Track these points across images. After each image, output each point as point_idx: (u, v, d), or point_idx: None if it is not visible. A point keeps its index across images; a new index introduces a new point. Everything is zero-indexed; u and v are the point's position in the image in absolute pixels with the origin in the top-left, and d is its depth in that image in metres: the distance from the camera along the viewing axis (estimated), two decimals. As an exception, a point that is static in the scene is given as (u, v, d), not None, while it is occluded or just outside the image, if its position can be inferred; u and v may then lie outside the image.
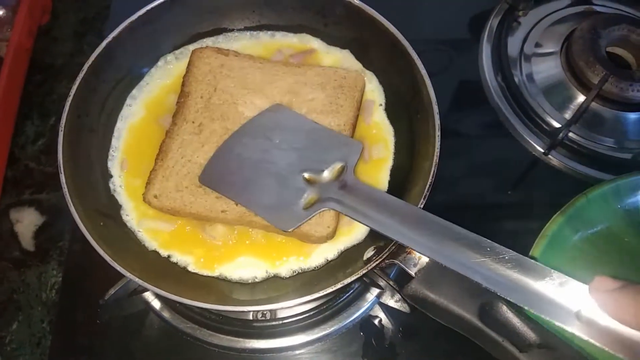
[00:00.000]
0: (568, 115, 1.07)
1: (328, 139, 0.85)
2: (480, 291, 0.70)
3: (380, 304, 0.91)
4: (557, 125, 1.05)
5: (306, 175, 0.81)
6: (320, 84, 0.92)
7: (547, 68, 1.12)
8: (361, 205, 0.75)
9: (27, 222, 1.06)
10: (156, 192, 0.86)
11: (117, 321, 0.92)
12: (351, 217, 0.75)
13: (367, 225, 0.74)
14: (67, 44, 1.25)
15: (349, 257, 0.85)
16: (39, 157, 1.12)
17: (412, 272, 0.74)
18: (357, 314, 0.90)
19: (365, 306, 0.90)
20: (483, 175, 1.06)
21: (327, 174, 0.81)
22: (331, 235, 0.84)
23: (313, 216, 0.79)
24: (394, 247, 0.75)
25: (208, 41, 1.01)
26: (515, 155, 1.07)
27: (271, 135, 0.85)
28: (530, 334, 0.67)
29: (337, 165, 0.81)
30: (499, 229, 1.00)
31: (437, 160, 0.80)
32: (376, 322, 0.92)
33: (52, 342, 0.94)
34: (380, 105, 0.96)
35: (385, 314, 0.92)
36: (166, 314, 0.90)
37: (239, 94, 0.91)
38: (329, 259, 0.86)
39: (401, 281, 0.84)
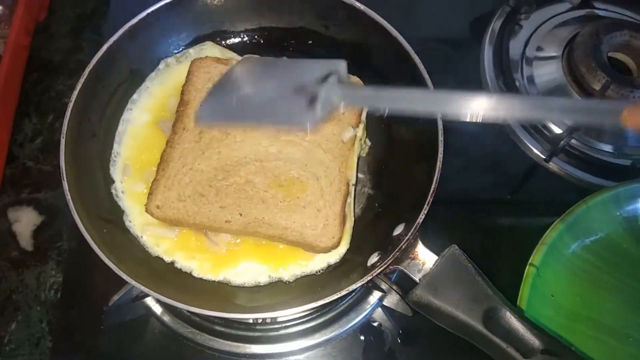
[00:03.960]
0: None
1: (310, 64, 0.80)
2: (484, 297, 0.71)
3: (382, 307, 0.92)
4: (557, 130, 1.06)
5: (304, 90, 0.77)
6: None
7: (548, 72, 1.13)
8: (368, 91, 0.74)
9: (25, 222, 1.05)
10: (158, 203, 0.85)
11: (118, 326, 0.91)
12: (363, 105, 0.76)
13: (381, 107, 0.70)
14: (65, 40, 1.23)
15: (351, 261, 0.86)
16: (37, 155, 1.11)
17: (416, 278, 0.74)
18: (357, 318, 0.90)
19: (366, 310, 0.90)
20: (482, 179, 1.07)
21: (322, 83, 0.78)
22: (336, 245, 0.84)
23: (330, 114, 0.74)
24: (398, 253, 0.75)
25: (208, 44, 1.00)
26: (514, 160, 1.07)
27: (254, 76, 0.80)
28: (533, 340, 0.68)
29: (331, 78, 0.76)
30: (498, 235, 1.00)
31: (441, 166, 0.80)
32: (376, 326, 0.92)
33: (52, 346, 0.94)
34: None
35: (386, 317, 0.92)
36: (167, 319, 0.89)
37: None
38: (331, 263, 0.87)
39: (403, 284, 0.85)
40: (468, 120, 0.60)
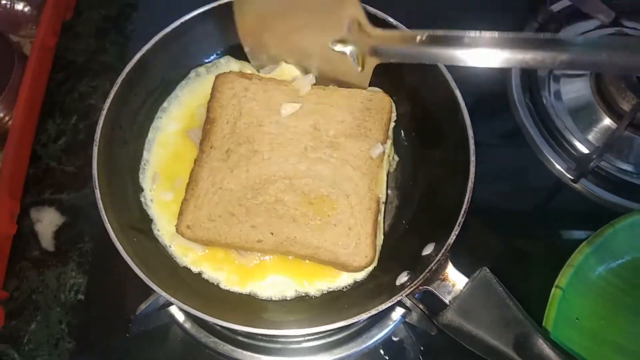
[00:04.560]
0: (592, 137, 1.07)
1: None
2: (515, 322, 0.70)
3: (404, 324, 0.91)
4: (583, 149, 1.05)
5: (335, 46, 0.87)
6: (347, 106, 0.90)
7: (576, 89, 1.12)
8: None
9: (47, 222, 1.05)
10: (189, 223, 0.84)
11: (142, 333, 0.91)
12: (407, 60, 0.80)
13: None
14: (90, 41, 1.23)
15: (378, 279, 0.85)
16: (60, 156, 1.11)
17: (447, 300, 0.74)
18: (380, 334, 0.90)
19: (389, 326, 0.90)
20: (509, 199, 1.06)
21: (349, 35, 0.84)
22: (369, 264, 0.84)
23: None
24: (428, 273, 0.74)
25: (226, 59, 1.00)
26: (541, 180, 1.07)
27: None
28: (565, 368, 0.67)
29: (349, 16, 0.82)
30: (524, 256, 1.00)
31: (472, 186, 0.79)
32: (398, 342, 0.92)
33: (71, 347, 0.94)
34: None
35: (409, 334, 0.92)
36: (189, 327, 0.90)
37: (263, 115, 0.90)
38: (358, 280, 0.86)
39: (427, 302, 0.85)
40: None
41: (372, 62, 0.86)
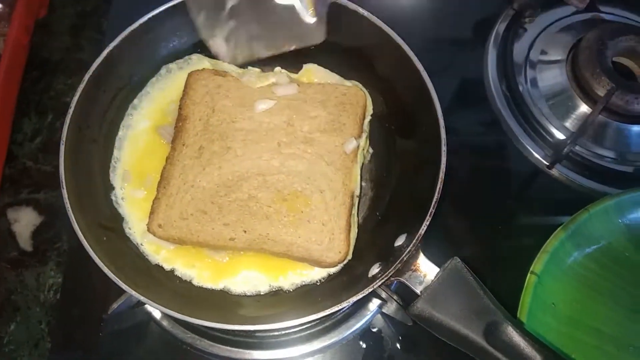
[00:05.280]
0: (569, 124, 1.07)
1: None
2: (485, 311, 0.71)
3: (382, 314, 0.92)
4: (559, 136, 1.05)
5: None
6: (321, 102, 0.90)
7: (552, 76, 1.12)
8: None
9: (24, 222, 1.05)
10: (160, 222, 0.84)
11: (120, 332, 0.91)
12: None
13: None
14: (65, 38, 1.22)
15: (352, 271, 0.86)
16: (36, 155, 1.10)
17: (418, 290, 0.74)
18: (357, 325, 0.90)
19: (366, 317, 0.90)
20: (484, 187, 1.06)
21: None
22: (343, 260, 0.84)
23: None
24: (399, 264, 0.74)
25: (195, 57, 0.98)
26: (517, 167, 1.07)
27: None
28: (534, 355, 0.67)
29: None
30: (500, 243, 1.00)
31: (443, 177, 0.79)
32: (376, 332, 0.92)
33: (51, 347, 0.94)
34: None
35: (386, 324, 0.92)
36: (166, 324, 0.89)
37: (236, 112, 0.89)
38: (332, 273, 0.87)
39: (402, 293, 0.85)
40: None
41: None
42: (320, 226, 0.83)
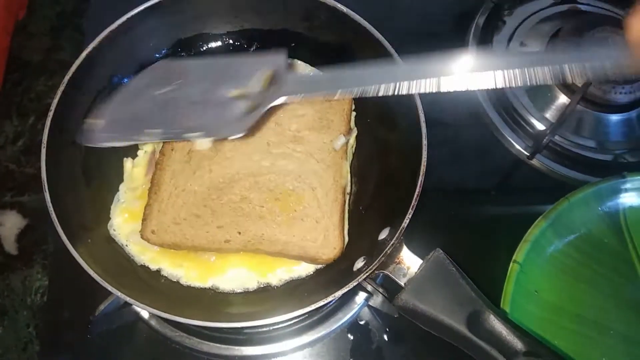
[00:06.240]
0: (549, 115, 1.09)
1: (244, 62, 0.78)
2: (468, 301, 0.72)
3: (369, 307, 0.93)
4: (539, 127, 1.07)
5: (231, 93, 0.73)
6: (308, 100, 0.90)
7: (531, 67, 1.13)
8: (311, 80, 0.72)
9: (9, 225, 1.04)
10: (154, 228, 0.84)
11: (108, 332, 0.91)
12: (308, 96, 0.70)
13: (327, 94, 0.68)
14: (45, 39, 1.21)
15: (337, 266, 0.86)
16: (19, 157, 1.09)
17: (402, 282, 0.75)
18: (345, 318, 0.91)
19: (353, 310, 0.91)
20: (465, 178, 1.08)
21: (255, 84, 0.72)
22: (338, 256, 0.84)
23: (263, 113, 0.70)
24: (383, 257, 0.75)
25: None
26: (497, 157, 1.09)
27: (171, 79, 0.76)
28: (516, 342, 0.69)
29: (265, 73, 0.72)
30: (482, 233, 1.01)
31: (425, 170, 0.80)
32: (364, 325, 0.93)
33: (40, 350, 0.94)
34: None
35: (373, 316, 0.93)
36: (154, 323, 0.89)
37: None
38: (318, 268, 0.87)
39: (388, 286, 0.86)
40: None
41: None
42: (314, 224, 0.84)
